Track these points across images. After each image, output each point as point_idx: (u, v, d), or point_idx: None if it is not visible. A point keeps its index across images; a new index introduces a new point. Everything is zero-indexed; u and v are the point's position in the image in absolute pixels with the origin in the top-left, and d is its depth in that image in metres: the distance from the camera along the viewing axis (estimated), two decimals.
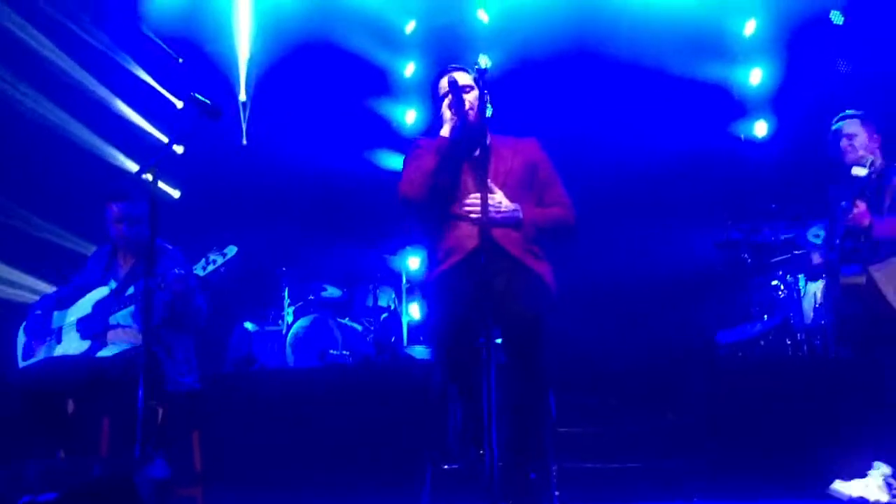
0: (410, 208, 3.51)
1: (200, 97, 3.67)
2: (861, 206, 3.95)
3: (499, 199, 3.35)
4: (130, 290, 3.95)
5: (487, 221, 3.12)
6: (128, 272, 4.13)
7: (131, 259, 4.19)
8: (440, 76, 3.59)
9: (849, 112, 4.32)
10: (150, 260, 3.40)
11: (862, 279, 4.06)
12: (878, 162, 4.06)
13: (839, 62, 7.12)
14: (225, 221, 7.54)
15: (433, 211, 3.47)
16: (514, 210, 3.38)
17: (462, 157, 3.44)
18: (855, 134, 4.22)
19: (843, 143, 4.23)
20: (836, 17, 7.19)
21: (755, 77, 7.49)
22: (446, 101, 3.46)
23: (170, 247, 4.10)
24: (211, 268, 3.77)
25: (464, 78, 3.51)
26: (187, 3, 8.27)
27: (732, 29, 7.56)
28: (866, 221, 3.96)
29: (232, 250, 3.83)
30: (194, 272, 3.74)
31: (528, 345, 3.19)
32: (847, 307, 4.22)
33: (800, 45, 7.30)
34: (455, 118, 3.42)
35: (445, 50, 7.88)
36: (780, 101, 7.33)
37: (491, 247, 3.17)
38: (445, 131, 3.48)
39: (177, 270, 3.73)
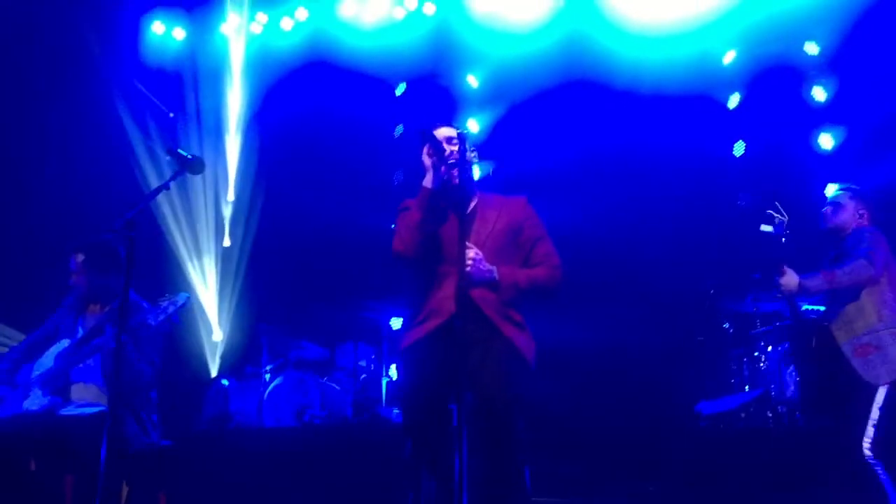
0: (403, 264, 3.49)
1: (182, 151, 3.67)
2: (784, 277, 4.07)
3: (473, 255, 3.31)
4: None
5: (464, 278, 3.12)
6: (96, 323, 4.06)
7: (100, 309, 4.13)
8: (423, 132, 3.54)
9: (851, 186, 4.48)
10: (122, 314, 3.34)
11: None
12: (786, 218, 4.19)
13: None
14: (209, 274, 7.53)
15: (423, 266, 3.45)
16: (491, 270, 3.35)
17: (444, 205, 3.43)
18: (842, 206, 4.35)
19: (826, 209, 4.39)
20: (738, 149, 7.36)
21: (739, 149, 7.57)
22: (425, 150, 3.45)
23: (145, 304, 4.03)
24: (162, 317, 3.73)
25: (447, 132, 3.52)
26: (183, 54, 8.41)
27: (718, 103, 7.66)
28: (794, 283, 4.04)
29: (183, 297, 3.80)
30: (147, 322, 3.71)
31: (501, 421, 3.14)
32: (811, 371, 4.35)
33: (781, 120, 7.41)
34: (435, 167, 3.41)
35: (434, 112, 7.97)
36: (763, 173, 7.41)
37: (469, 310, 3.16)
38: (427, 181, 3.43)
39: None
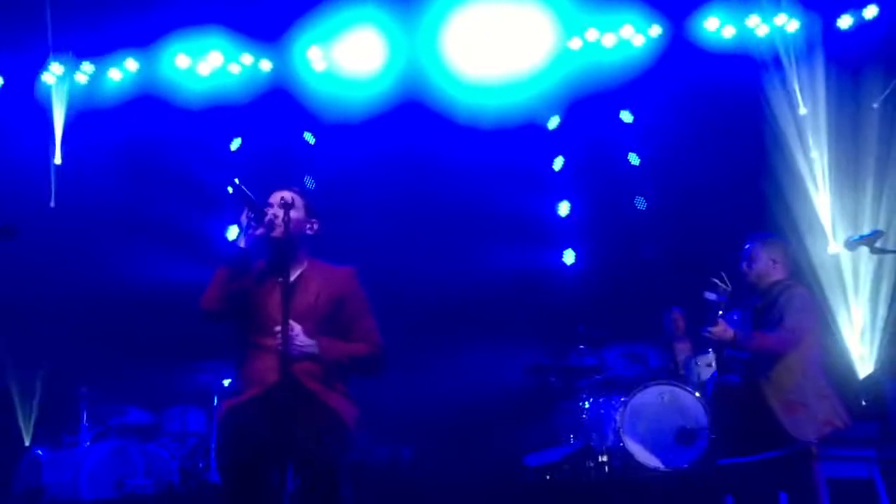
0: (209, 320, 3.46)
1: None
2: (718, 327, 4.26)
3: (295, 332, 3.31)
4: None
5: (285, 354, 3.19)
6: None
7: None
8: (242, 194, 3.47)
9: (758, 235, 4.68)
10: None
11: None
12: (729, 289, 4.35)
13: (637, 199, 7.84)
14: (23, 336, 7.07)
15: (242, 334, 3.42)
16: (310, 344, 3.34)
17: (249, 263, 3.42)
18: (755, 258, 4.53)
19: (743, 266, 4.56)
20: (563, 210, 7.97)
21: (563, 209, 8.02)
22: (244, 213, 3.45)
23: None
24: None
25: (279, 195, 3.48)
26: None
27: (543, 166, 8.10)
28: (729, 335, 4.26)
29: None
30: None
31: (323, 491, 3.16)
32: (727, 415, 4.52)
33: (602, 183, 7.93)
34: (247, 227, 3.41)
35: (270, 168, 7.95)
36: (585, 232, 7.89)
37: (290, 383, 3.19)
38: (239, 242, 3.45)
39: None
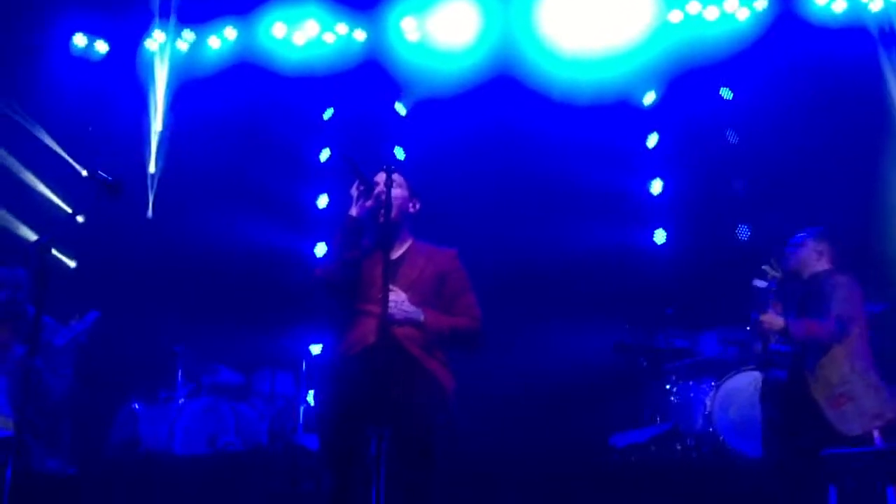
0: (323, 292, 3.55)
1: (101, 174, 3.61)
2: (768, 315, 4.20)
3: (401, 299, 3.39)
4: None
5: (387, 318, 3.21)
6: None
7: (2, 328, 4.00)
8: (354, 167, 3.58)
9: (811, 228, 4.58)
10: (35, 337, 3.26)
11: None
12: (780, 275, 4.30)
13: (729, 133, 7.57)
14: (122, 295, 7.32)
15: (343, 297, 3.50)
16: (415, 311, 3.42)
17: (369, 242, 3.51)
18: (801, 245, 4.47)
19: (788, 249, 4.50)
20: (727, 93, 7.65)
21: (656, 187, 7.82)
22: (355, 185, 3.54)
23: (50, 321, 3.92)
24: (70, 336, 3.67)
25: (381, 176, 3.54)
26: (101, 76, 8.25)
27: (637, 143, 7.91)
28: (779, 324, 4.19)
29: (90, 317, 3.76)
30: (53, 342, 3.65)
31: (417, 451, 3.20)
32: (775, 412, 4.39)
33: (698, 161, 7.69)
34: (358, 198, 3.51)
35: (361, 138, 8.00)
36: (677, 211, 7.68)
37: (390, 344, 3.23)
38: (352, 212, 3.55)
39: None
